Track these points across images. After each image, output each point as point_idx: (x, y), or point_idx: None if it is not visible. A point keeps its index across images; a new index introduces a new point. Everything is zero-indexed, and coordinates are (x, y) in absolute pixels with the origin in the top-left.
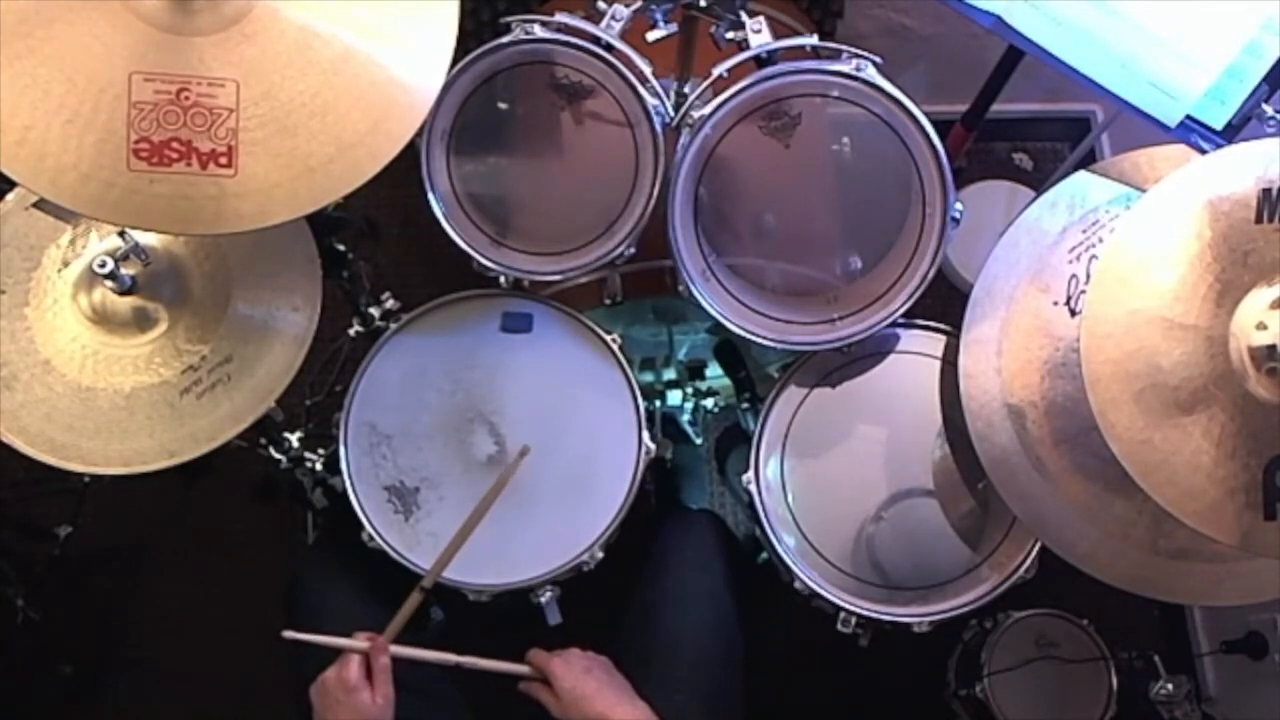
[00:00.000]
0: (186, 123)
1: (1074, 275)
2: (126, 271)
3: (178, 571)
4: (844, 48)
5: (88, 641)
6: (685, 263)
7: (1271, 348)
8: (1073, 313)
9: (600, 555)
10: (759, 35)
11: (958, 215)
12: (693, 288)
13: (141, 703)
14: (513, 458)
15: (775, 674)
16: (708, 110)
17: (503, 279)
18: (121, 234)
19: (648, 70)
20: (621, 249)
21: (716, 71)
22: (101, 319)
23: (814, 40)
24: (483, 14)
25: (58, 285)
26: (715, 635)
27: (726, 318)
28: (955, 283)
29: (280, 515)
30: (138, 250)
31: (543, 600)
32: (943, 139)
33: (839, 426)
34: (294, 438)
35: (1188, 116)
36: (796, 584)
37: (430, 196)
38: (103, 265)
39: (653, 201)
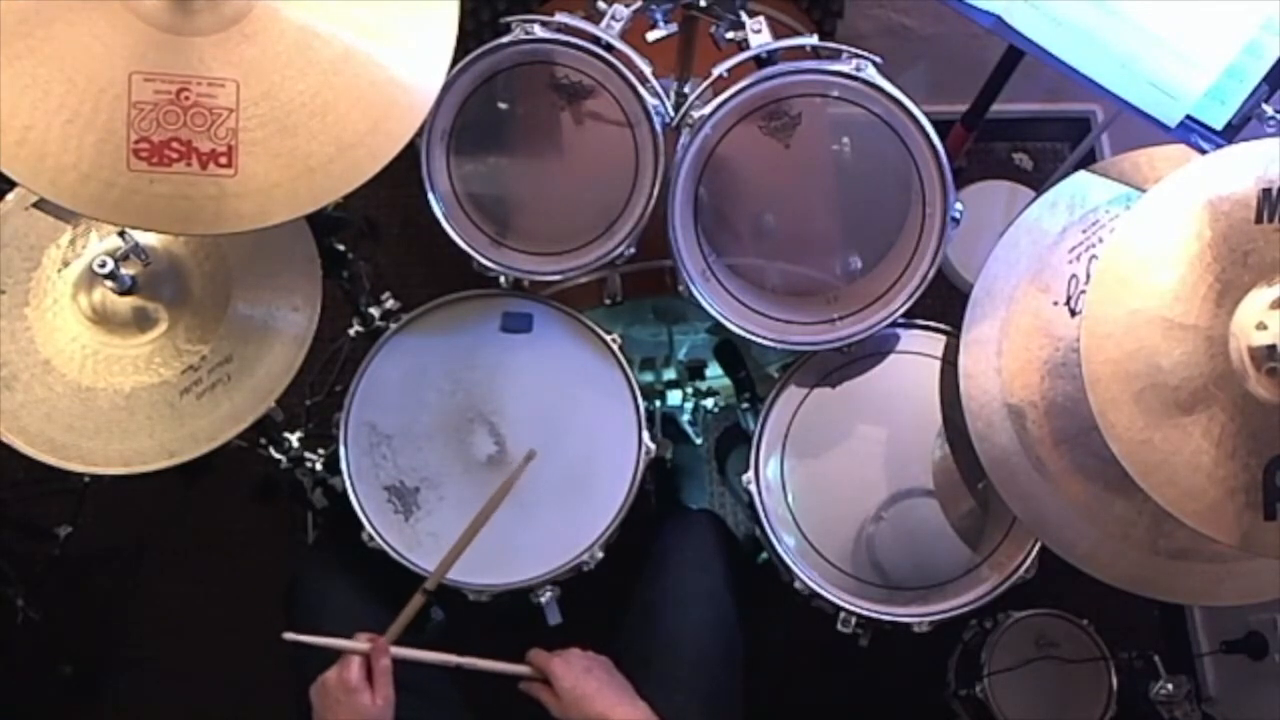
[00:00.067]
0: (186, 123)
1: (1074, 275)
2: (126, 271)
3: (178, 571)
4: (844, 48)
5: (88, 641)
6: (685, 263)
7: (1271, 348)
8: (1073, 313)
9: (600, 555)
10: (759, 35)
11: (958, 215)
12: (693, 288)
13: (141, 703)
14: (513, 457)
15: (775, 674)
16: (708, 110)
17: (503, 279)
18: (121, 234)
19: (648, 70)
20: (621, 249)
21: (716, 71)
22: (101, 319)
23: (814, 40)
24: (483, 14)
25: (58, 285)
26: (715, 635)
27: (726, 318)
28: (955, 283)
29: (280, 515)
30: (138, 250)
31: (543, 600)
32: (943, 139)
33: (839, 426)
34: (294, 438)
35: (1188, 116)
36: (796, 584)
37: (430, 196)
38: (103, 265)
39: (653, 201)
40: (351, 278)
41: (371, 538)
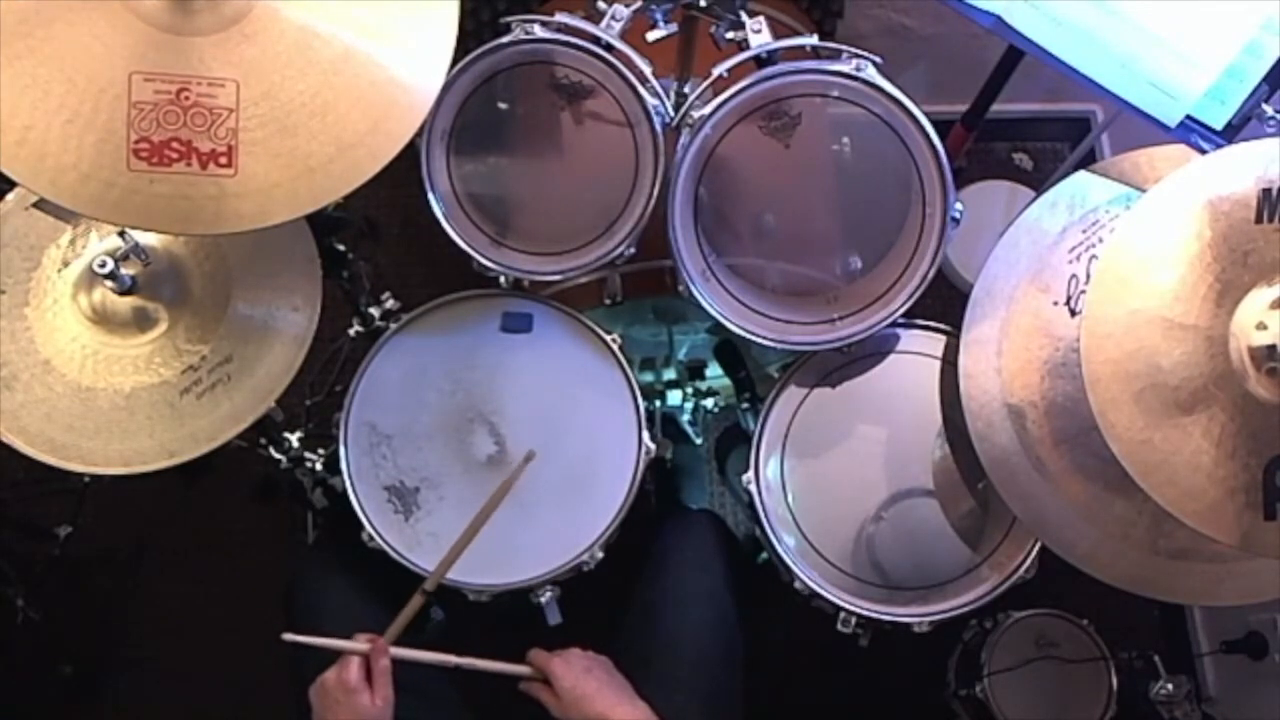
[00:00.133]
0: (186, 123)
1: (1074, 275)
2: (126, 271)
3: (178, 571)
4: (844, 48)
5: (88, 641)
6: (685, 263)
7: (1271, 348)
8: (1073, 313)
9: (600, 555)
10: (759, 35)
11: (958, 215)
12: (693, 288)
13: (141, 703)
14: (513, 458)
15: (775, 674)
16: (708, 110)
17: (503, 279)
18: (121, 234)
19: (648, 70)
20: (621, 249)
21: (716, 71)
22: (101, 319)
23: (814, 40)
24: (483, 14)
25: (58, 285)
26: (715, 635)
27: (726, 318)
28: (955, 283)
29: (280, 515)
30: (138, 250)
31: (543, 600)
32: (943, 139)
33: (839, 426)
34: (294, 438)
35: (1188, 116)
36: (796, 584)
37: (430, 196)
38: (103, 265)
39: (653, 201)
40: (351, 278)
41: (371, 538)
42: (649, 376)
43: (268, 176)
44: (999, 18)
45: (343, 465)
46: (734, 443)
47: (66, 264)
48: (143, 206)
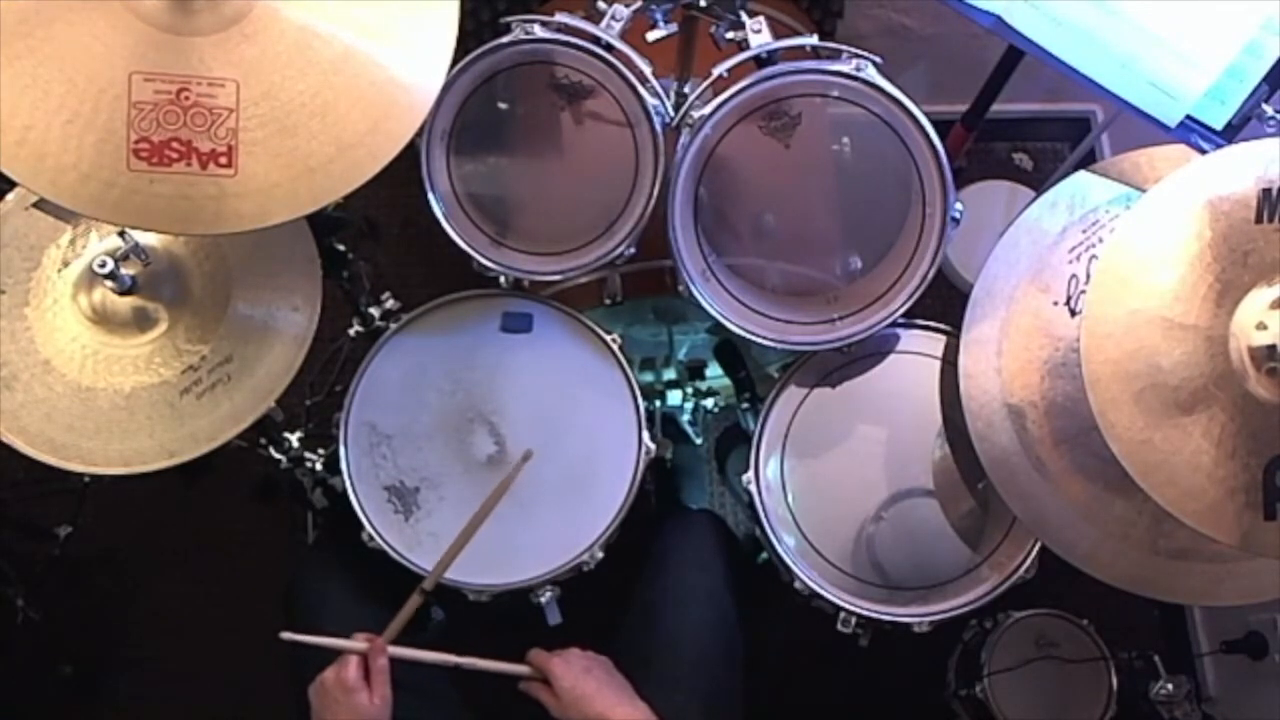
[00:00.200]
0: (186, 123)
1: (1074, 275)
2: (126, 271)
3: (178, 571)
4: (844, 48)
5: (88, 641)
6: (685, 263)
7: (1271, 348)
8: (1073, 313)
9: (600, 555)
10: (759, 35)
11: (958, 215)
12: (693, 288)
13: (141, 703)
14: (513, 458)
15: (775, 674)
16: (708, 110)
17: (503, 279)
18: (121, 234)
19: (648, 70)
20: (621, 249)
21: (716, 71)
22: (101, 319)
23: (814, 40)
24: (483, 14)
25: (58, 285)
26: (715, 635)
27: (726, 318)
28: (955, 283)
29: (280, 515)
30: (138, 250)
31: (543, 600)
32: (943, 139)
33: (839, 426)
34: (294, 438)
35: (1188, 116)
36: (796, 584)
37: (430, 196)
38: (103, 265)
39: (653, 201)
40: (351, 278)
41: (371, 538)
42: (649, 376)
43: (268, 176)
44: (999, 18)
45: (343, 465)
46: (734, 443)
47: (66, 264)
48: (143, 206)
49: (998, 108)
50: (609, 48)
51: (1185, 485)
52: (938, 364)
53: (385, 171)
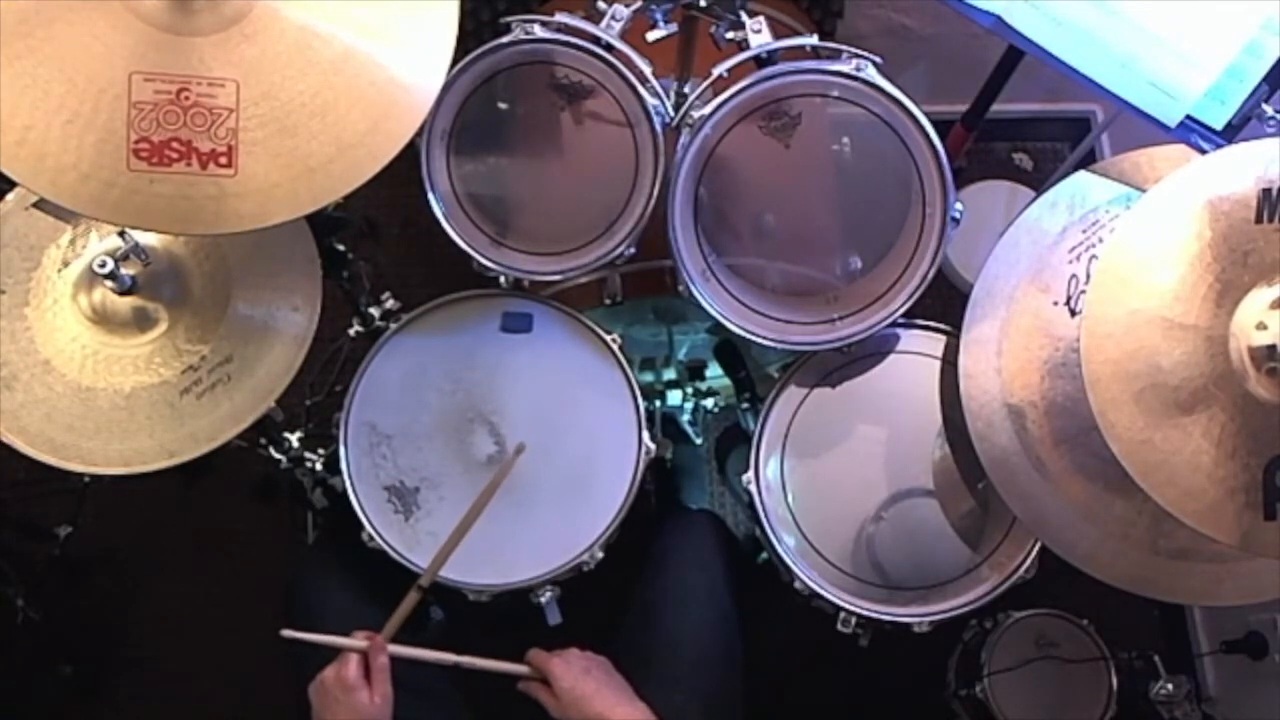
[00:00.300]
0: (186, 123)
1: (1074, 275)
2: (126, 271)
3: (178, 571)
4: (844, 48)
5: (88, 641)
6: (685, 263)
7: (1271, 348)
8: (1073, 313)
9: (600, 555)
10: (759, 35)
11: (958, 215)
12: (693, 288)
13: (141, 703)
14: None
15: (775, 674)
16: (708, 110)
17: (503, 279)
18: (121, 234)
19: (648, 70)
20: (621, 249)
21: (716, 71)
22: (101, 319)
23: (814, 40)
24: (483, 14)
25: (58, 285)
26: (715, 635)
27: (726, 318)
28: (955, 283)
29: (280, 515)
30: (138, 250)
31: (543, 600)
32: (943, 139)
33: (839, 426)
34: (294, 438)
35: (1188, 116)
36: (796, 584)
37: (430, 196)
38: (103, 265)
39: (653, 201)
40: (351, 278)
41: (371, 538)
42: (649, 376)
43: (268, 176)
44: (999, 18)
45: (343, 465)
46: (734, 443)
47: (66, 264)
48: (143, 206)
49: (998, 108)
50: (609, 48)
51: (1185, 485)
52: (938, 364)
53: (385, 171)
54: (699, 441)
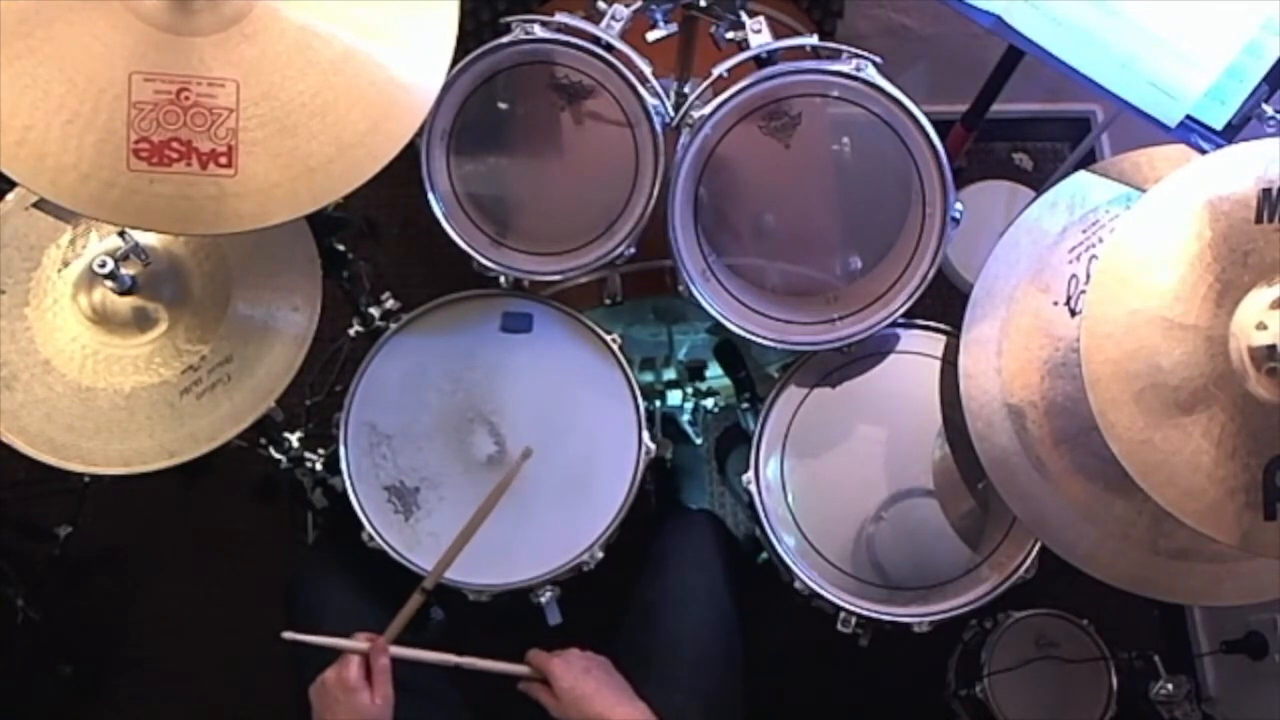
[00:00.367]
0: (186, 123)
1: (1074, 275)
2: (126, 271)
3: (178, 571)
4: (844, 48)
5: (88, 641)
6: (685, 263)
7: (1271, 348)
8: (1073, 313)
9: (600, 555)
10: (759, 35)
11: (958, 215)
12: (693, 288)
13: (141, 703)
14: (513, 458)
15: (775, 674)
16: (708, 110)
17: (503, 279)
18: (121, 234)
19: (648, 70)
20: (621, 249)
21: (716, 71)
22: (101, 319)
23: (814, 40)
24: (483, 14)
25: (58, 285)
26: (715, 635)
27: (726, 318)
28: (955, 283)
29: (280, 515)
30: (138, 250)
31: (543, 600)
32: (943, 139)
33: (839, 426)
34: (294, 438)
35: (1188, 116)
36: (796, 584)
37: (430, 196)
38: (103, 265)
39: (653, 201)
40: (351, 278)
41: (371, 538)
42: (649, 376)
43: (268, 176)
44: (999, 18)
45: (343, 465)
46: (734, 443)
47: (66, 264)
48: (143, 206)
49: (998, 108)
50: (609, 48)
51: (1185, 485)
52: (938, 364)
53: (385, 171)
54: (699, 441)
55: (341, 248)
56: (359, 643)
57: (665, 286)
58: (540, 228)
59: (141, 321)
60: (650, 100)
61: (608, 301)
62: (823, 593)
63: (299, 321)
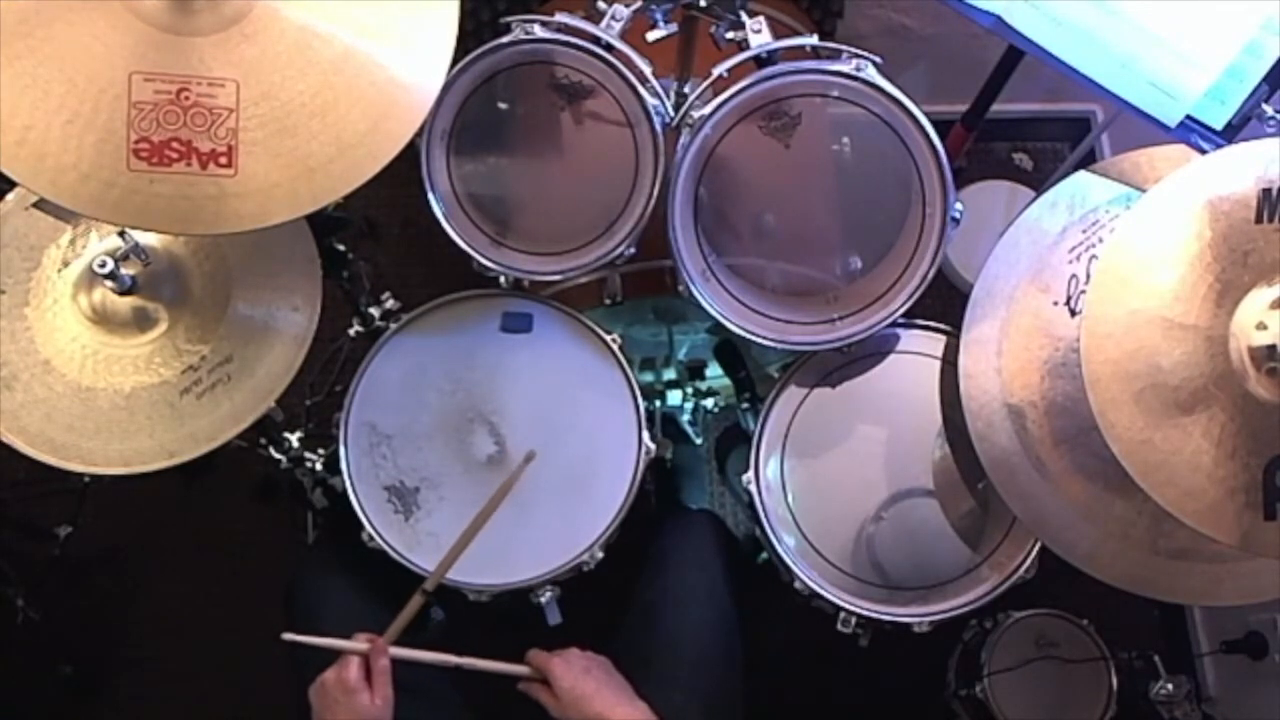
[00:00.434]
0: (186, 123)
1: (1074, 275)
2: (126, 271)
3: (178, 571)
4: (844, 48)
5: (88, 641)
6: (685, 263)
7: (1271, 348)
8: (1073, 313)
9: (600, 555)
10: (759, 35)
11: (958, 215)
12: (693, 288)
13: (141, 703)
14: (513, 458)
15: (775, 674)
16: (708, 110)
17: (503, 279)
18: (121, 234)
19: (648, 70)
20: (621, 249)
21: (716, 71)
22: (101, 319)
23: (814, 40)
24: (483, 14)
25: (58, 285)
26: (715, 635)
27: (726, 318)
28: (955, 283)
29: (280, 515)
30: (138, 250)
31: (543, 600)
32: (943, 139)
33: (839, 426)
34: (294, 438)
35: (1188, 116)
36: (796, 584)
37: (430, 196)
38: (103, 265)
39: (653, 201)
40: (351, 278)
41: (371, 538)
42: (649, 376)
43: (268, 176)
44: (999, 18)
45: (343, 465)
46: (734, 443)
47: (66, 264)
48: (143, 206)
49: (998, 108)
50: (609, 48)
51: (1185, 485)
52: (938, 364)
53: (385, 171)
54: (699, 441)
55: (341, 248)
56: (358, 643)
57: (665, 286)
58: (540, 228)
59: (141, 321)
60: (650, 100)
61: (608, 301)
62: (823, 593)
63: (299, 321)
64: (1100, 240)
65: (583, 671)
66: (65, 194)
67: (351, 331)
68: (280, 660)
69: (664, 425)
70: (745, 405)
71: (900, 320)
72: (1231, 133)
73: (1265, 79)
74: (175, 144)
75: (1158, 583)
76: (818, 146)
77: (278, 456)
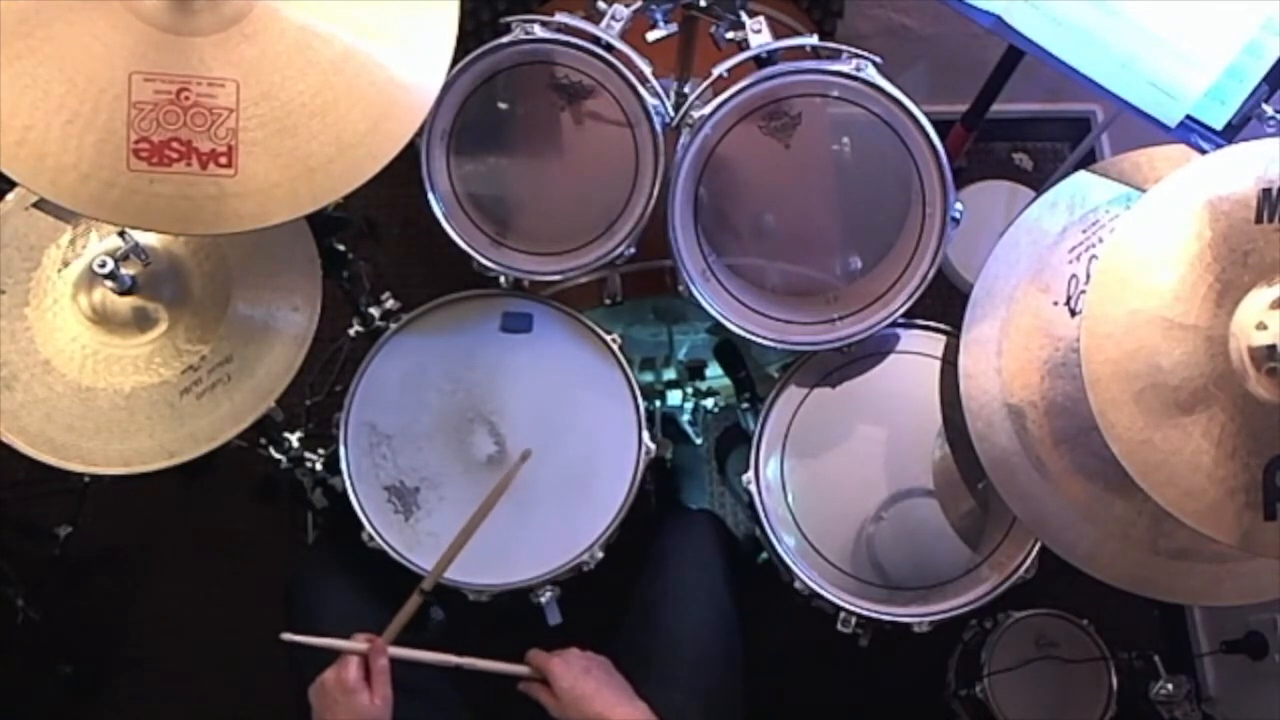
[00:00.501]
0: (186, 123)
1: (1074, 275)
2: (126, 271)
3: (178, 571)
4: (844, 48)
5: (88, 641)
6: (685, 263)
7: (1271, 348)
8: (1073, 313)
9: (600, 555)
10: (759, 35)
11: (958, 215)
12: (693, 288)
13: (141, 703)
14: (513, 458)
15: (775, 674)
16: (708, 110)
17: (503, 279)
18: (121, 234)
19: (648, 70)
20: (621, 249)
21: (716, 71)
22: (101, 319)
23: (814, 40)
24: (483, 14)
25: (58, 285)
26: (715, 634)
27: (726, 318)
28: (955, 283)
29: (280, 515)
30: (138, 250)
31: (543, 600)
32: (943, 139)
33: (839, 426)
34: (294, 438)
35: (1188, 116)
36: (796, 584)
37: (430, 196)
38: (103, 265)
39: (653, 201)
40: (351, 278)
41: (371, 538)
42: (649, 376)
43: (268, 176)
44: (999, 18)
45: (343, 465)
46: (734, 443)
47: (66, 264)
48: (143, 206)
49: (998, 108)
50: (609, 48)
51: (1185, 485)
52: (938, 364)
53: (385, 171)
54: (699, 441)
55: (341, 248)
56: (358, 643)
57: (665, 286)
58: (540, 228)
59: (141, 321)
60: (650, 100)
61: (608, 301)
62: (823, 593)
63: (299, 321)
64: (1100, 240)
65: (582, 671)
66: (65, 194)
67: (351, 331)
68: (280, 660)
69: (664, 425)
70: (745, 405)
71: (900, 320)
72: (1231, 133)
73: (1265, 79)
74: (175, 144)
75: (1158, 583)
76: (818, 146)
77: (278, 456)
